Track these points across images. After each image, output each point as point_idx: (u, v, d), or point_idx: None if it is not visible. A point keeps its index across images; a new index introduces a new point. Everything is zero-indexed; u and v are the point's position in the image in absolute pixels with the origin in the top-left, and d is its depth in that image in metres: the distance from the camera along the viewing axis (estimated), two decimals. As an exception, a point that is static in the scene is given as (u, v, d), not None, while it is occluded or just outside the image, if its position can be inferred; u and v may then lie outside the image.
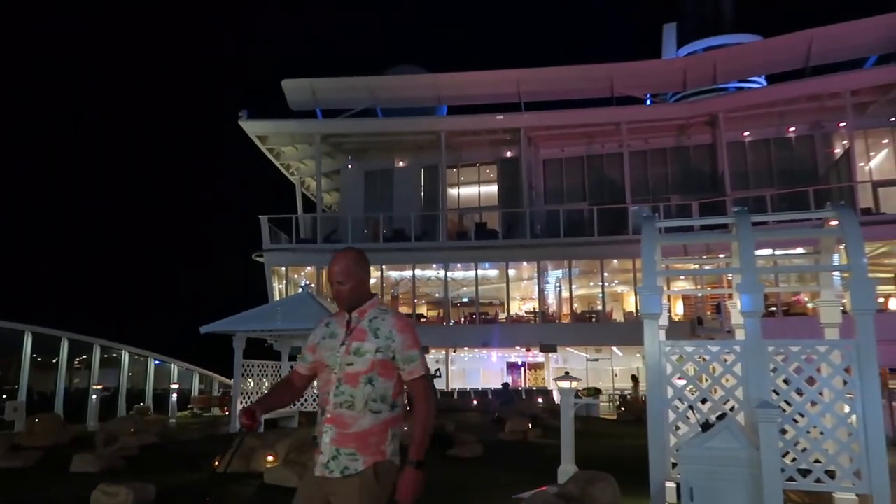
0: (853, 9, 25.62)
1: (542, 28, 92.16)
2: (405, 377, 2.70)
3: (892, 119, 25.30)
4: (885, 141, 26.03)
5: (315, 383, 2.82)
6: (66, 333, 19.48)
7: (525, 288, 28.26)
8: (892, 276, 23.00)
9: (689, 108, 26.86)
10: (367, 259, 2.92)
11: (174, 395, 19.21)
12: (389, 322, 2.78)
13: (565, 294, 26.77)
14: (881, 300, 21.74)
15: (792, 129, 26.76)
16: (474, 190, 29.92)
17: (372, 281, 28.02)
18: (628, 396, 23.35)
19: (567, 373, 8.33)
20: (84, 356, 20.32)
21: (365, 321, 2.78)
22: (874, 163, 26.28)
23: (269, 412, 2.84)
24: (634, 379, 24.34)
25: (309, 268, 27.82)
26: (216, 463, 6.98)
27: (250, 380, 15.27)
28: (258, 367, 15.49)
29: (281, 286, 27.22)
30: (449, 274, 26.62)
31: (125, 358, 21.62)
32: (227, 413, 22.71)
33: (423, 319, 27.30)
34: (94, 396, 17.76)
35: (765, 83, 29.28)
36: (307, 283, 26.10)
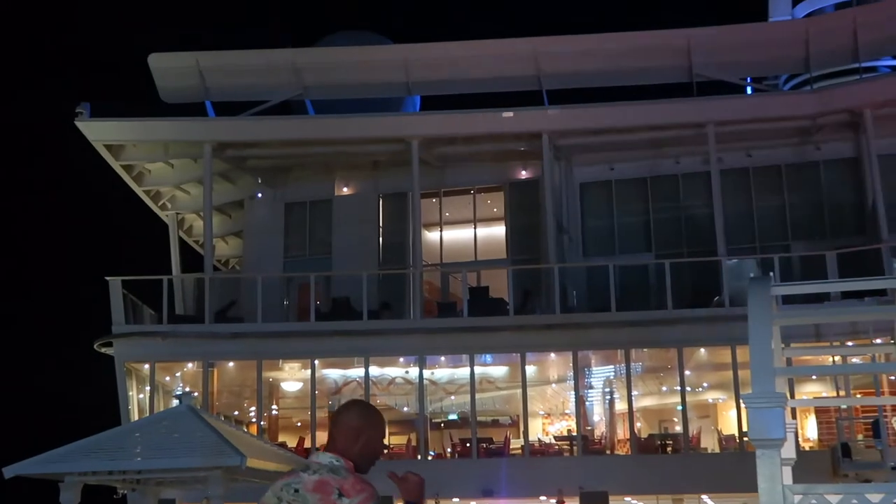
0: None
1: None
2: None
3: None
4: None
5: None
6: None
7: (554, 396, 28.22)
8: None
9: (816, 99, 27.36)
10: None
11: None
12: None
13: (621, 406, 26.70)
14: None
15: None
16: (467, 233, 30.00)
17: (296, 386, 28.52)
18: None
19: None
20: None
21: None
22: None
23: None
24: None
25: (190, 364, 27.65)
26: None
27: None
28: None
29: (141, 395, 26.90)
30: (426, 373, 26.44)
31: None
32: None
33: (384, 450, 27.00)
34: None
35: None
36: (186, 390, 25.35)
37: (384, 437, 4.14)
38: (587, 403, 27.31)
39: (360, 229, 29.40)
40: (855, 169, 27.93)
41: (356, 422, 4.09)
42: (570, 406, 27.09)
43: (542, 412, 28.26)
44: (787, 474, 6.29)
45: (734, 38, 28.24)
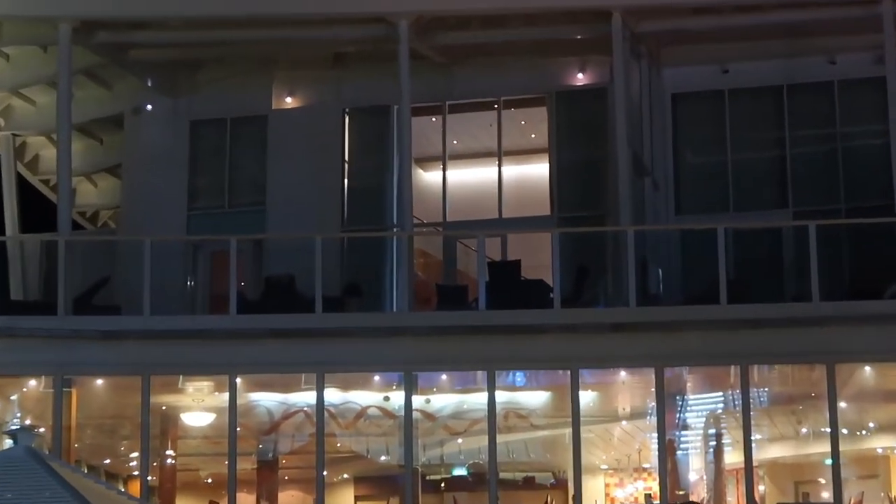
0: None
1: None
2: None
3: None
4: None
5: None
6: None
7: (625, 441, 28.02)
8: None
9: None
10: None
11: None
12: None
13: (733, 457, 26.42)
14: None
15: None
16: (487, 174, 29.89)
17: (206, 418, 27.71)
18: None
19: None
20: None
21: None
22: None
23: None
24: None
25: (32, 382, 26.96)
26: None
27: None
28: None
29: (-44, 430, 27.19)
30: (418, 400, 25.88)
31: None
32: None
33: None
34: None
35: None
36: (26, 423, 25.55)
37: None
38: (679, 453, 26.56)
39: (312, 165, 28.94)
40: None
41: None
42: (651, 457, 26.27)
43: (604, 466, 28.11)
44: None
45: None
